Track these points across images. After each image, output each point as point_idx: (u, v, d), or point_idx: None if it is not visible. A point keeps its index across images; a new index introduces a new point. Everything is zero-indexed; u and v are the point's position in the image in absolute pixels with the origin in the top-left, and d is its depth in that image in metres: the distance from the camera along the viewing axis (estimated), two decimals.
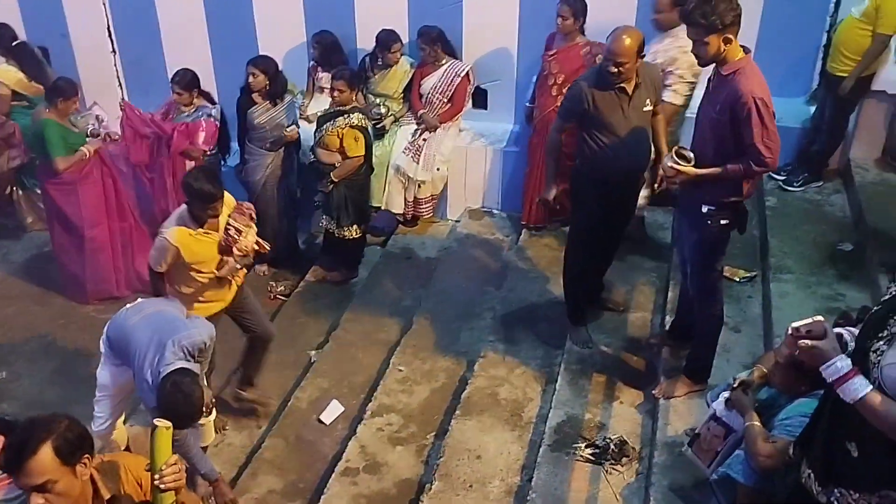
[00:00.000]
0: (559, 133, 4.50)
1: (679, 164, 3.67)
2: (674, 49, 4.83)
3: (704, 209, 3.73)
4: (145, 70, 6.66)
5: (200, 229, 4.16)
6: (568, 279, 4.81)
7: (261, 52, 6.12)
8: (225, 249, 4.23)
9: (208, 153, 5.85)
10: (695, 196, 3.77)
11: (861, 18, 5.11)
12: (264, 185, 5.92)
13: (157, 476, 2.47)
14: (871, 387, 2.24)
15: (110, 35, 6.96)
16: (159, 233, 4.19)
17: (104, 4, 6.82)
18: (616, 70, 4.06)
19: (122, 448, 4.24)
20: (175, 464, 2.50)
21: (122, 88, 7.18)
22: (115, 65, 7.09)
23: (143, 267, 5.95)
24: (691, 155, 3.67)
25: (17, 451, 2.29)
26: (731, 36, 3.43)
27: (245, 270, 4.47)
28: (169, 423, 2.53)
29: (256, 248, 4.35)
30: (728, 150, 3.59)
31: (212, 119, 5.79)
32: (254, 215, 4.35)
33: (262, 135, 5.79)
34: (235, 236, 4.21)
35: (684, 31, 4.11)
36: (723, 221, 3.76)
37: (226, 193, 4.25)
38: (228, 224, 4.21)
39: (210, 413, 4.18)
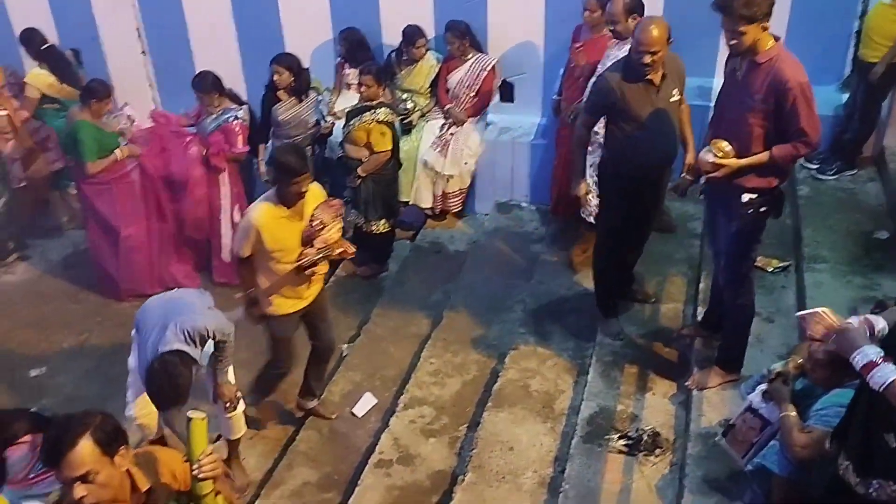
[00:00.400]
0: (587, 129, 4.47)
1: (718, 157, 3.65)
2: None
3: (745, 198, 3.72)
4: (176, 71, 6.72)
5: (285, 210, 4.08)
6: (598, 271, 4.80)
7: (288, 51, 6.18)
8: (307, 240, 4.17)
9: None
10: (733, 186, 3.74)
11: (892, 4, 5.04)
12: None
13: (195, 466, 2.52)
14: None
15: (140, 37, 7.05)
16: (244, 214, 4.18)
17: (134, 6, 6.91)
18: (650, 60, 4.03)
19: (155, 433, 4.28)
20: (212, 453, 2.55)
21: (153, 89, 7.27)
22: (146, 66, 7.18)
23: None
24: (728, 146, 3.65)
25: (57, 445, 2.32)
26: (767, 24, 3.44)
27: (326, 266, 4.37)
28: (203, 414, 2.58)
29: (340, 248, 4.30)
30: (771, 136, 3.58)
31: (239, 121, 5.83)
32: (341, 212, 4.32)
33: (287, 132, 5.84)
34: (319, 228, 4.15)
35: None
36: (762, 209, 3.75)
37: (317, 186, 4.25)
38: (314, 215, 4.16)
39: (235, 407, 4.17)
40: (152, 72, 7.21)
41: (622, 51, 4.84)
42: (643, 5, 4.81)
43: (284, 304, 4.31)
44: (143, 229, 5.94)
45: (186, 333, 3.68)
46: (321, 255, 4.20)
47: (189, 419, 2.54)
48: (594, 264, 4.82)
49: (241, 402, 4.25)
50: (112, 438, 2.39)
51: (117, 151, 5.64)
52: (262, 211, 4.07)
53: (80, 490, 2.32)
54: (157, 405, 3.69)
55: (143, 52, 7.12)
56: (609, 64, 4.59)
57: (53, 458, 2.33)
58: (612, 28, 4.89)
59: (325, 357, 4.74)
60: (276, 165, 4.07)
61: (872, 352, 2.30)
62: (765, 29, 3.45)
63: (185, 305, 3.89)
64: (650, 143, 4.25)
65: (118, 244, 5.91)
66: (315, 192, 4.22)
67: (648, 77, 4.13)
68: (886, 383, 2.25)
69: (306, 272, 4.21)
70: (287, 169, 4.00)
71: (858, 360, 2.30)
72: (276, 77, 5.69)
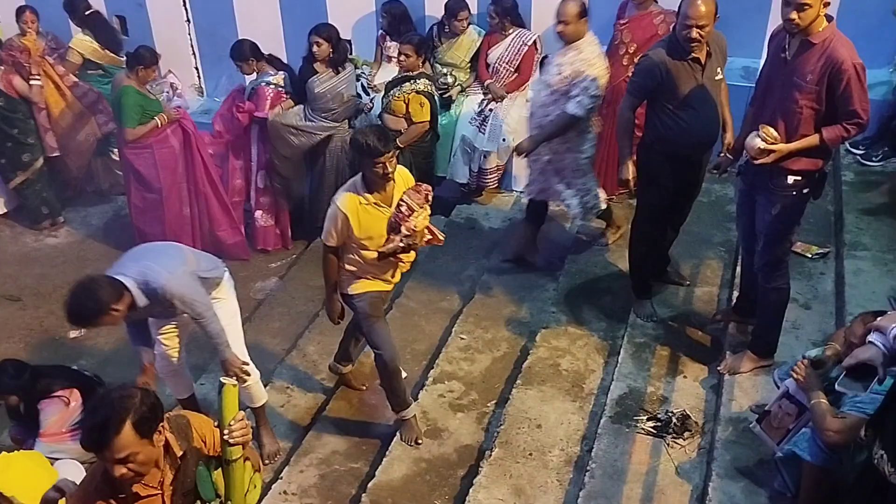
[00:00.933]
0: (632, 111, 4.38)
1: (769, 143, 3.59)
2: (579, 62, 4.72)
3: (791, 180, 3.67)
4: (218, 39, 6.76)
5: (371, 197, 3.90)
6: (635, 253, 4.76)
7: (330, 21, 6.16)
8: (394, 227, 3.97)
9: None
10: (777, 168, 3.67)
11: None
12: (325, 157, 5.99)
13: (226, 431, 2.56)
14: None
15: (185, 4, 7.10)
16: (331, 202, 4.01)
17: None
18: (697, 35, 3.95)
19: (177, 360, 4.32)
20: (242, 419, 2.59)
21: (195, 57, 7.34)
22: (189, 34, 7.24)
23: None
24: (775, 133, 3.58)
25: (100, 433, 2.36)
26: (828, 1, 3.37)
27: (413, 255, 4.20)
28: (235, 381, 2.63)
29: (429, 235, 4.11)
30: (819, 118, 3.54)
31: (271, 86, 5.85)
32: (430, 197, 4.07)
33: (324, 105, 5.83)
34: (406, 213, 3.94)
35: (588, 44, 4.51)
36: (805, 190, 3.71)
37: (404, 170, 4.11)
38: (401, 201, 3.96)
39: (244, 380, 4.09)
40: (195, 40, 7.26)
41: (566, 56, 4.78)
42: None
43: (368, 284, 4.17)
44: (184, 193, 6.00)
45: (141, 280, 3.62)
46: (406, 244, 4.00)
47: (221, 384, 2.58)
48: (632, 244, 4.78)
49: (254, 371, 4.21)
50: (152, 420, 2.44)
51: (157, 118, 5.70)
52: (348, 198, 3.89)
53: (120, 469, 2.39)
54: (68, 318, 3.63)
55: (188, 21, 7.18)
56: (552, 70, 4.75)
57: (98, 445, 2.38)
58: (559, 29, 4.76)
59: None
60: (357, 148, 3.80)
61: None
62: (826, 5, 3.38)
63: (165, 258, 3.81)
64: (695, 122, 4.18)
65: (160, 208, 5.98)
66: (404, 176, 4.04)
67: (695, 55, 4.05)
68: None
69: (392, 259, 4.07)
70: (367, 151, 3.74)
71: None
72: (315, 49, 5.67)
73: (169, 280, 3.66)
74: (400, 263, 4.16)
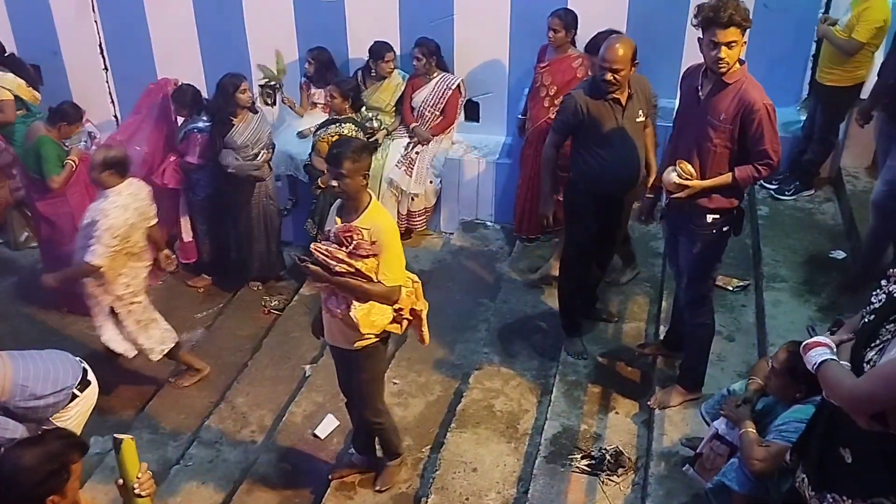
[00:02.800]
0: (555, 148, 4.48)
1: (683, 178, 3.68)
2: None
3: (709, 218, 3.75)
4: (138, 86, 6.64)
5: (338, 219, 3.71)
6: (563, 291, 4.81)
7: (251, 69, 6.14)
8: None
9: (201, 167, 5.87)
10: (695, 207, 3.76)
11: (843, 30, 5.15)
12: (250, 207, 5.95)
13: (135, 484, 2.58)
14: (831, 357, 2.34)
15: (102, 52, 6.97)
16: None
17: (96, 22, 6.84)
18: (612, 78, 4.07)
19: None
20: (146, 470, 2.62)
21: (114, 105, 7.18)
22: (107, 81, 7.10)
23: None
24: (691, 169, 3.67)
25: None
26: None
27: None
28: (131, 436, 2.63)
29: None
30: (732, 157, 3.63)
31: (203, 133, 5.78)
32: (352, 239, 3.54)
33: (246, 152, 5.77)
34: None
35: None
36: (724, 228, 3.79)
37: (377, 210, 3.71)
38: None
39: None
40: (114, 87, 7.12)
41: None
42: None
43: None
44: None
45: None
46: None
47: (119, 441, 2.58)
48: (559, 283, 4.84)
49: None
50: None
51: (69, 161, 5.54)
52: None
53: None
54: None
55: (105, 68, 7.04)
56: None
57: None
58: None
59: None
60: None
61: (819, 337, 2.45)
62: (744, 44, 3.49)
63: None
64: (615, 161, 4.29)
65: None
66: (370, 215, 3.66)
67: (614, 96, 4.16)
68: (817, 363, 2.36)
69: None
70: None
71: (807, 342, 2.46)
72: (241, 95, 5.62)
73: None
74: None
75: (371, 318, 3.62)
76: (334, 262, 3.48)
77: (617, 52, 4.03)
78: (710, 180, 3.67)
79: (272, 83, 6.40)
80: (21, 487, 2.35)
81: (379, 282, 3.53)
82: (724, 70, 3.51)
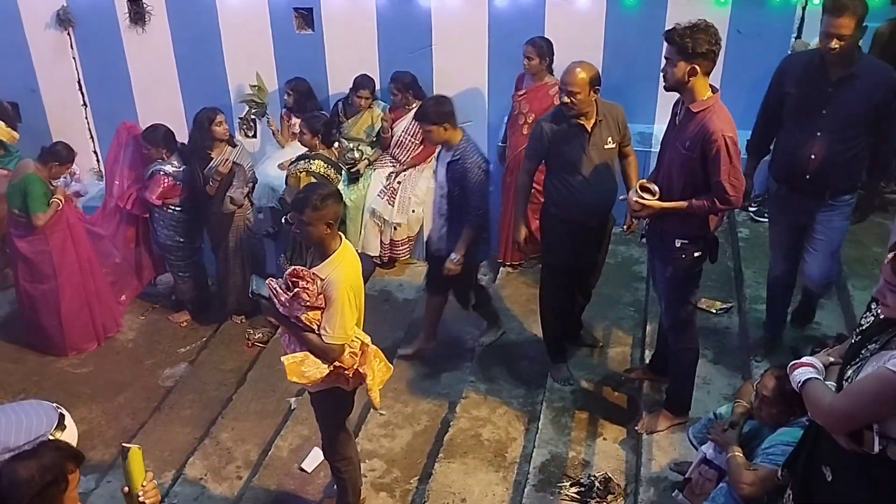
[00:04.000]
0: (529, 175, 4.51)
1: (644, 197, 3.70)
2: None
3: (678, 243, 3.76)
4: (117, 122, 6.64)
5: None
6: (545, 317, 4.81)
7: (233, 102, 6.14)
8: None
9: (165, 208, 5.85)
10: (666, 231, 3.80)
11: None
12: (230, 239, 5.93)
13: (140, 493, 2.59)
14: (815, 376, 2.39)
15: (81, 89, 6.97)
16: None
17: (74, 59, 6.84)
18: (568, 101, 4.10)
19: None
20: (151, 479, 2.64)
21: (93, 141, 7.17)
22: (87, 118, 7.08)
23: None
24: (656, 188, 3.69)
25: None
26: (698, 68, 3.45)
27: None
28: (137, 445, 2.62)
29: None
30: (697, 185, 3.63)
31: (168, 176, 5.75)
32: (300, 285, 3.51)
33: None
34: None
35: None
36: (696, 254, 3.79)
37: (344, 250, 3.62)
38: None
39: None
40: (93, 124, 7.11)
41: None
42: None
43: None
44: (77, 277, 5.80)
45: None
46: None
47: (126, 449, 2.60)
48: (541, 309, 4.84)
49: None
50: None
51: (55, 199, 5.52)
52: None
53: None
54: None
55: (84, 105, 7.03)
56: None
57: None
58: None
59: None
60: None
61: (808, 358, 2.50)
62: (694, 72, 3.46)
63: None
64: (584, 188, 4.29)
65: (54, 296, 5.76)
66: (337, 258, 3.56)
67: (579, 122, 4.18)
68: (801, 381, 2.40)
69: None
70: None
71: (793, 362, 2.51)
72: (217, 128, 5.62)
73: None
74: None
75: (302, 367, 3.52)
76: (278, 304, 3.47)
77: (574, 74, 4.06)
78: (668, 203, 3.67)
79: (253, 113, 6.39)
80: (19, 500, 2.34)
81: (319, 335, 3.48)
82: (666, 87, 3.59)
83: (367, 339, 3.69)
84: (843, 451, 2.30)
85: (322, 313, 3.46)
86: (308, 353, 3.53)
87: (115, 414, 5.37)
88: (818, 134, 3.84)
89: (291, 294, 3.43)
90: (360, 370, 3.65)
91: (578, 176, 4.27)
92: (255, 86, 6.48)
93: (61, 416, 3.85)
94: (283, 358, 3.55)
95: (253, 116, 6.42)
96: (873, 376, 2.21)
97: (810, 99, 3.85)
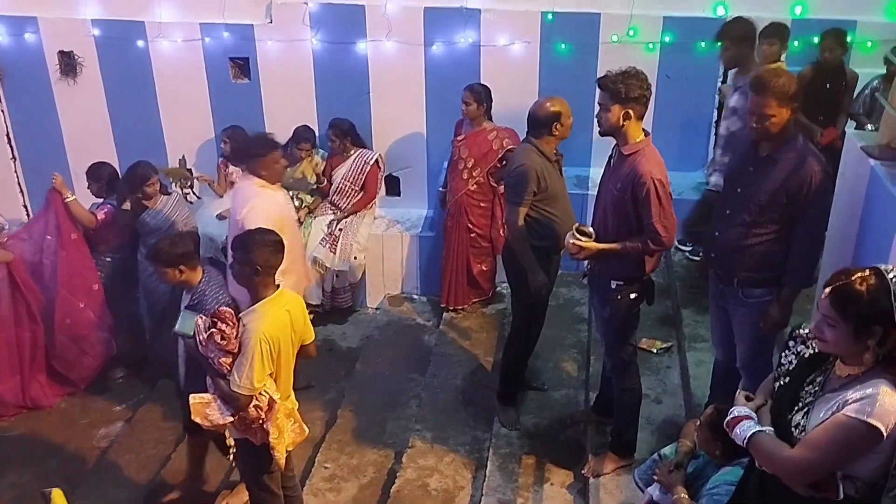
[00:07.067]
0: (523, 218, 4.33)
1: (581, 239, 3.75)
2: None
3: (613, 284, 3.81)
4: (48, 175, 6.49)
5: None
6: (512, 357, 4.80)
7: (168, 151, 6.04)
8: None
9: (101, 256, 5.70)
10: (602, 272, 3.85)
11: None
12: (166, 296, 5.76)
13: None
14: (759, 429, 2.37)
15: (10, 142, 6.79)
16: None
17: (2, 111, 6.69)
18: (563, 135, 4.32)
19: None
20: None
21: (23, 195, 6.98)
22: (16, 171, 6.90)
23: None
24: (591, 230, 3.75)
25: None
26: (631, 112, 3.54)
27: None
28: (59, 489, 2.66)
29: None
30: (631, 226, 3.69)
31: (108, 206, 5.61)
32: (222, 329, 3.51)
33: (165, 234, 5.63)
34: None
35: None
36: (632, 295, 3.83)
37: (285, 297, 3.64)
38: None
39: None
40: (22, 177, 6.92)
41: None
42: None
43: None
44: (12, 336, 5.54)
45: None
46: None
47: (48, 493, 2.62)
48: (513, 349, 4.79)
49: None
50: None
51: None
52: None
53: None
54: None
55: (13, 158, 6.85)
56: None
57: None
58: None
59: None
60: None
61: (739, 410, 2.47)
62: (628, 116, 3.54)
63: None
64: (565, 217, 4.38)
65: None
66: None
67: (557, 154, 4.37)
68: (746, 438, 2.38)
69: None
70: None
71: (729, 419, 2.50)
72: (150, 189, 5.50)
73: None
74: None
75: (206, 409, 3.51)
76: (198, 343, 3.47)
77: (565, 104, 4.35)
78: (603, 245, 3.72)
79: (183, 185, 6.25)
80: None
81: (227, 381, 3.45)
82: (600, 129, 3.70)
83: (279, 397, 3.59)
84: (795, 495, 2.30)
85: (232, 360, 3.43)
86: (216, 396, 3.50)
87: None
88: (727, 212, 3.56)
89: (207, 334, 3.41)
90: (265, 426, 3.57)
91: (561, 206, 4.39)
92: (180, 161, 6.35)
93: None
94: (191, 396, 3.52)
95: (185, 190, 6.23)
96: (835, 426, 2.17)
97: (736, 173, 3.63)
